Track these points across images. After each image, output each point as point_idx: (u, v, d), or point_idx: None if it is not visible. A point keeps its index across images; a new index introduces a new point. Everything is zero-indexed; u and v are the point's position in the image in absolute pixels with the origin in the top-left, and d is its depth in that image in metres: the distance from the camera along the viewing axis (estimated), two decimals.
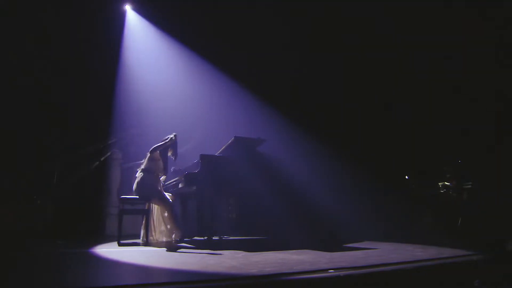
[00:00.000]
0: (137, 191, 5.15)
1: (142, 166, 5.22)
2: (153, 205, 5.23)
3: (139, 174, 5.19)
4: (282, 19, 7.38)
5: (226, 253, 4.43)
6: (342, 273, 3.11)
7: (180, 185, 5.58)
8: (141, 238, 5.15)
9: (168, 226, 5.18)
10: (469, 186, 6.44)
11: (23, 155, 6.14)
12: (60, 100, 6.52)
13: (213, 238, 5.29)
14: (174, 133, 5.37)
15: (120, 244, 5.01)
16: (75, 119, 6.62)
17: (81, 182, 6.48)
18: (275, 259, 3.92)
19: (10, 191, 5.86)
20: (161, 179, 5.37)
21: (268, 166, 5.74)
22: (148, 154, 5.20)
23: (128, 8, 7.52)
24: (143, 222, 5.14)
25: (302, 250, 4.58)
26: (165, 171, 5.31)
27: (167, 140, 5.29)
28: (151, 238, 5.13)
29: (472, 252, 4.30)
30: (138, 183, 5.16)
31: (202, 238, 5.55)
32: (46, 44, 6.35)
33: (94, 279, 3.03)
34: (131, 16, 7.59)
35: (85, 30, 6.58)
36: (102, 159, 6.78)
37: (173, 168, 6.23)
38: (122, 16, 7.46)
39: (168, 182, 5.94)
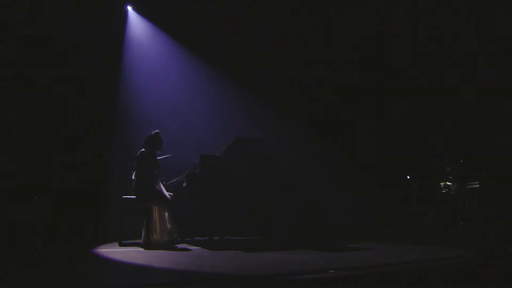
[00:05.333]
0: (135, 195, 5.19)
1: (135, 170, 5.26)
2: (154, 205, 5.24)
3: (134, 179, 5.24)
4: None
5: (227, 253, 4.44)
6: (342, 273, 3.12)
7: (181, 185, 5.60)
8: (142, 238, 5.16)
9: (169, 226, 5.19)
10: (471, 186, 6.44)
11: (24, 154, 6.15)
12: (61, 100, 6.52)
13: (214, 238, 5.30)
14: (156, 130, 5.41)
15: (121, 244, 5.02)
16: (76, 118, 6.62)
17: (82, 181, 6.49)
18: (275, 259, 3.93)
19: (10, 190, 5.87)
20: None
21: (268, 166, 5.75)
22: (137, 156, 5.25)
23: (129, 8, 7.53)
24: (144, 222, 5.15)
25: (302, 250, 4.58)
26: (157, 165, 5.34)
27: (148, 138, 5.34)
28: (152, 238, 5.13)
29: (472, 253, 4.30)
30: (134, 187, 5.22)
31: (203, 238, 5.57)
32: (46, 44, 6.36)
33: (95, 279, 3.04)
34: (132, 16, 7.59)
35: (86, 30, 6.59)
36: (103, 159, 6.79)
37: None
38: (123, 16, 7.47)
39: (169, 182, 5.95)
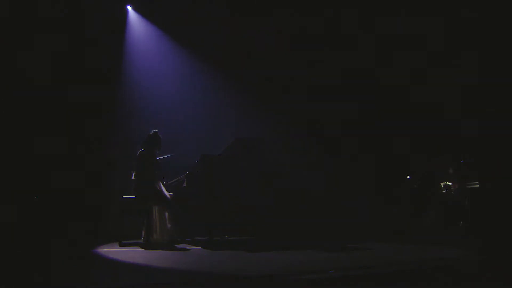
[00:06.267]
0: (135, 195, 5.19)
1: (135, 171, 5.26)
2: (154, 205, 5.24)
3: (133, 179, 5.24)
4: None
5: (227, 253, 4.45)
6: (342, 273, 3.12)
7: (181, 185, 5.60)
8: (142, 238, 5.16)
9: (169, 226, 5.18)
10: (473, 186, 6.45)
11: (23, 154, 6.14)
12: (60, 100, 6.52)
13: (214, 238, 5.30)
14: (154, 130, 5.40)
15: (121, 244, 5.01)
16: (75, 118, 6.61)
17: (82, 181, 6.48)
18: (276, 259, 3.94)
19: (10, 190, 5.86)
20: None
21: (269, 166, 5.76)
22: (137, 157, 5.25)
23: (129, 8, 7.52)
24: (144, 222, 5.15)
25: (303, 250, 4.59)
26: (157, 165, 5.34)
27: (147, 138, 5.33)
28: (152, 238, 5.13)
29: (473, 253, 4.31)
30: (134, 187, 5.21)
31: (203, 238, 5.57)
32: (46, 45, 6.35)
33: (95, 279, 3.04)
34: (133, 16, 7.59)
35: (86, 30, 6.60)
36: (103, 158, 6.79)
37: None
38: (123, 16, 7.46)
39: (169, 182, 5.95)
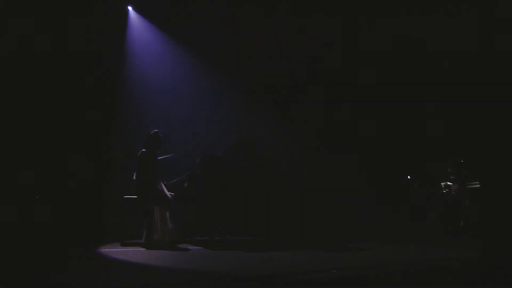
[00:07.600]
0: (136, 194, 5.20)
1: (136, 171, 5.27)
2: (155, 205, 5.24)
3: (135, 179, 5.25)
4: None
5: (227, 253, 4.46)
6: (342, 273, 3.13)
7: (182, 185, 5.61)
8: (143, 238, 5.16)
9: (170, 226, 5.19)
10: (473, 186, 6.45)
11: (23, 154, 6.16)
12: (61, 100, 6.53)
13: (215, 238, 5.31)
14: (155, 130, 5.40)
15: (123, 244, 5.02)
16: (76, 118, 6.62)
17: (84, 181, 6.49)
18: (276, 259, 3.95)
19: (11, 189, 5.88)
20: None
21: (270, 165, 5.77)
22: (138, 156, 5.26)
23: (130, 8, 7.53)
24: (145, 222, 5.16)
25: (303, 250, 4.60)
26: (158, 165, 5.35)
27: (148, 138, 5.34)
28: (153, 238, 5.13)
29: (473, 253, 4.32)
30: (135, 188, 5.23)
31: (204, 238, 5.58)
32: (45, 45, 6.37)
33: (96, 279, 3.06)
34: (133, 16, 7.60)
35: (86, 30, 6.61)
36: (104, 158, 6.80)
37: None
38: (124, 16, 7.47)
39: (170, 182, 5.96)
